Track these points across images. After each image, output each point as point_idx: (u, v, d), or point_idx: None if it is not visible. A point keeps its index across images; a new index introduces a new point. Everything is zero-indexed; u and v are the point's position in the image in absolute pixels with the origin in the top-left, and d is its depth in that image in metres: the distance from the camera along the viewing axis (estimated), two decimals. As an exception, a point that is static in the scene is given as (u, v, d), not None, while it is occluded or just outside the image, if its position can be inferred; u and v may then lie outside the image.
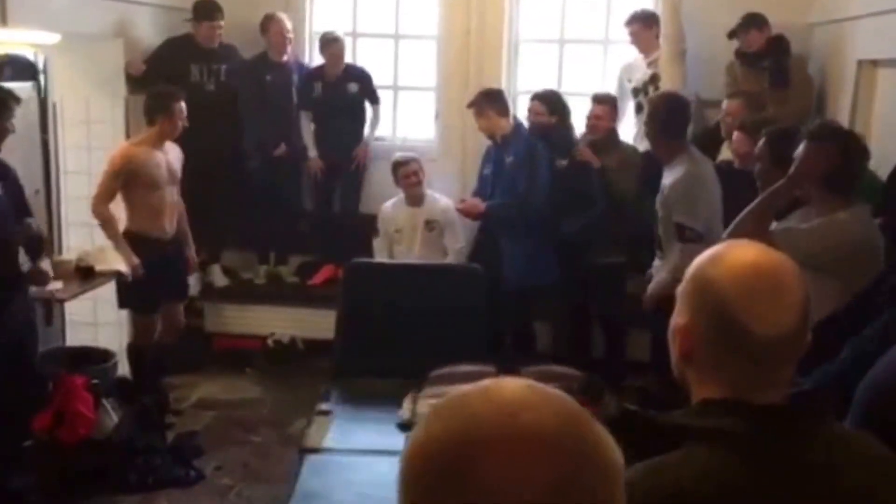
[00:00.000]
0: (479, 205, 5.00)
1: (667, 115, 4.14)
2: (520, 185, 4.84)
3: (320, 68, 5.67)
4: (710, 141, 4.86)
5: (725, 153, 4.62)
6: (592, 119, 5.01)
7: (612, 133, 5.07)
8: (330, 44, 5.55)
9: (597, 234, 4.91)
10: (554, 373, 3.77)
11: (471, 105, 5.02)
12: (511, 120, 4.99)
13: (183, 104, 4.60)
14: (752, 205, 2.93)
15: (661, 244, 4.19)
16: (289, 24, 5.53)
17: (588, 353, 5.22)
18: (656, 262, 4.27)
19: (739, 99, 4.62)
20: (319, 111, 5.69)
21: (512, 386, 0.84)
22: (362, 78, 5.68)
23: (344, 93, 5.63)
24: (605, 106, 5.03)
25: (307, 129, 5.73)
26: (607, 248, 4.93)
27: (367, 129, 5.74)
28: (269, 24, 5.48)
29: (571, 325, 5.28)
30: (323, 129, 5.71)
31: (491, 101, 4.96)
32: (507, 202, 4.90)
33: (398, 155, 5.34)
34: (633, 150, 5.10)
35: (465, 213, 5.09)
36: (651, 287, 4.20)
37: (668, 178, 4.06)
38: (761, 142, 3.34)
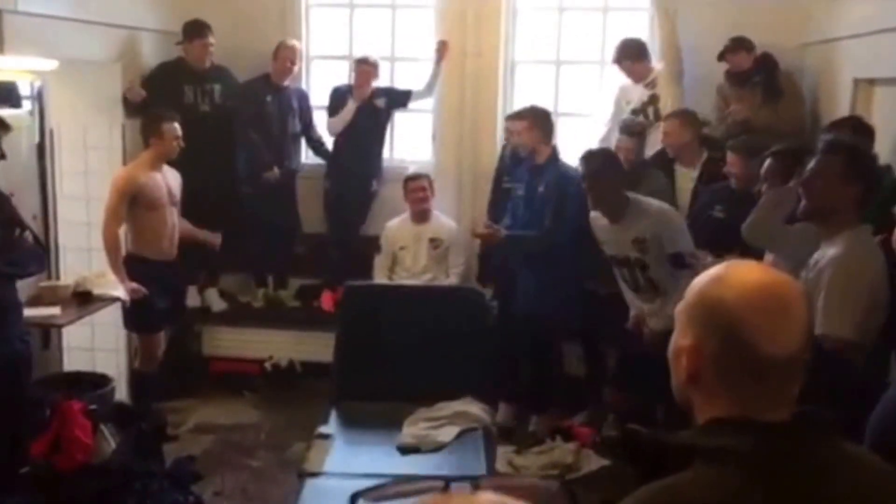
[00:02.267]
0: (499, 232, 4.78)
1: (618, 166, 4.28)
2: (546, 218, 4.68)
3: (350, 87, 5.69)
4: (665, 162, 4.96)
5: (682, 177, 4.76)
6: (620, 152, 4.76)
7: (639, 165, 4.86)
8: (362, 64, 5.60)
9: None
10: (515, 485, 3.54)
11: (519, 117, 4.85)
12: (550, 149, 4.83)
13: (176, 125, 4.67)
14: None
15: (655, 288, 4.16)
16: (296, 54, 5.58)
17: (603, 373, 5.17)
18: (644, 305, 4.25)
19: (673, 118, 4.81)
20: (347, 127, 5.69)
21: None
22: (388, 92, 5.75)
23: (373, 109, 5.66)
24: (634, 138, 4.87)
25: (339, 121, 5.67)
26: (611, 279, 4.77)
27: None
28: (278, 49, 5.54)
29: (583, 348, 5.20)
30: (344, 146, 5.70)
31: (540, 121, 4.79)
32: (531, 236, 4.74)
33: (410, 170, 5.43)
34: (663, 181, 4.86)
35: (484, 239, 4.93)
36: (656, 323, 4.11)
37: (635, 224, 4.10)
38: (768, 161, 3.36)
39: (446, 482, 2.90)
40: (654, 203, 4.17)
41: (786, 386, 1.22)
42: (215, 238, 5.11)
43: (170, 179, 4.79)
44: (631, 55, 5.27)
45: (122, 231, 4.68)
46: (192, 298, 5.59)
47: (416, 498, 0.79)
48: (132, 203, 4.60)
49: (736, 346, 1.19)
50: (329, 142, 5.82)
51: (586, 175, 4.22)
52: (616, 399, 4.71)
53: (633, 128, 4.99)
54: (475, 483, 2.91)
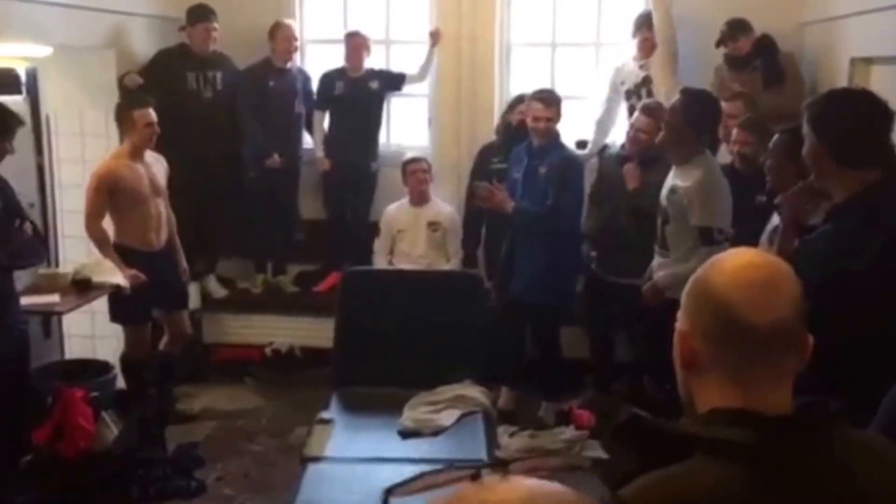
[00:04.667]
0: (508, 202, 4.70)
1: (702, 110, 3.97)
2: (550, 197, 4.63)
3: (341, 69, 5.69)
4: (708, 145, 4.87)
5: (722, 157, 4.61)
6: (636, 132, 4.65)
7: (654, 147, 4.63)
8: (353, 36, 5.61)
9: (622, 254, 4.68)
10: (546, 467, 3.48)
11: (548, 103, 4.70)
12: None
13: (148, 111, 4.51)
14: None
15: (664, 243, 4.06)
16: (296, 32, 5.58)
17: (611, 360, 5.17)
18: (657, 261, 4.13)
19: (739, 100, 4.57)
20: (338, 109, 5.70)
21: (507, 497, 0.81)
22: (381, 74, 5.74)
23: (366, 90, 5.66)
24: (652, 119, 4.60)
25: (319, 129, 5.75)
26: (638, 269, 4.53)
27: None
28: (276, 30, 5.51)
29: (591, 335, 5.17)
30: (339, 129, 5.72)
31: (561, 106, 4.76)
32: (536, 212, 4.69)
33: (408, 154, 5.46)
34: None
35: (488, 198, 4.77)
36: (661, 277, 3.98)
37: (682, 179, 3.90)
38: (775, 138, 3.35)
39: (477, 470, 2.89)
40: (712, 171, 3.92)
41: (780, 359, 1.22)
42: (183, 272, 4.95)
43: (153, 169, 4.64)
44: (648, 24, 5.21)
45: (108, 222, 4.59)
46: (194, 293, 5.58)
47: (447, 489, 0.81)
48: (113, 197, 4.48)
49: (725, 322, 1.21)
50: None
51: (670, 108, 4.06)
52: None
53: (652, 108, 4.77)
54: (504, 469, 2.88)
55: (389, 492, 3.06)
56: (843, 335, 2.02)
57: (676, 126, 3.93)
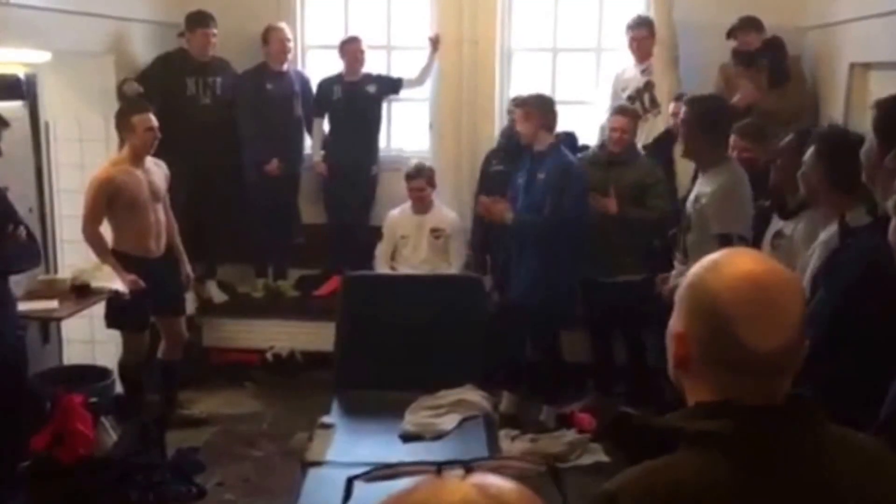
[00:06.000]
0: (508, 214, 4.74)
1: (716, 115, 3.95)
2: (546, 207, 4.64)
3: (339, 74, 5.71)
4: (665, 143, 4.97)
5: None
6: (616, 132, 4.85)
7: (632, 147, 4.92)
8: (349, 43, 5.62)
9: (615, 251, 4.76)
10: (511, 466, 3.44)
11: (520, 105, 4.79)
12: (552, 137, 4.75)
13: (148, 116, 4.49)
14: None
15: (686, 251, 3.98)
16: (289, 34, 5.59)
17: (611, 362, 5.16)
18: (678, 268, 4.03)
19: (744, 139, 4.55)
20: (337, 114, 5.72)
21: (453, 494, 0.82)
22: (379, 78, 5.75)
23: (364, 94, 5.67)
24: (627, 118, 4.87)
25: (318, 135, 5.76)
26: (624, 265, 4.75)
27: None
28: (270, 33, 5.52)
29: (591, 338, 5.18)
30: (338, 134, 5.73)
31: (539, 110, 4.70)
32: (533, 221, 4.70)
33: (412, 165, 5.44)
34: (653, 163, 4.95)
35: (488, 211, 4.84)
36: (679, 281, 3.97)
37: (707, 186, 3.84)
38: (788, 137, 3.34)
39: (439, 466, 2.87)
40: (734, 176, 3.84)
41: (771, 381, 1.21)
42: (188, 278, 4.96)
43: (153, 175, 4.61)
44: (648, 25, 5.25)
45: (107, 228, 4.56)
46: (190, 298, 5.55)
47: (408, 479, 0.85)
48: (111, 203, 4.45)
49: (719, 336, 1.19)
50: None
51: (682, 119, 4.04)
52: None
53: (626, 108, 5.01)
54: (468, 467, 2.87)
55: (352, 480, 3.05)
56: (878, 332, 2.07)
57: (693, 137, 3.90)
